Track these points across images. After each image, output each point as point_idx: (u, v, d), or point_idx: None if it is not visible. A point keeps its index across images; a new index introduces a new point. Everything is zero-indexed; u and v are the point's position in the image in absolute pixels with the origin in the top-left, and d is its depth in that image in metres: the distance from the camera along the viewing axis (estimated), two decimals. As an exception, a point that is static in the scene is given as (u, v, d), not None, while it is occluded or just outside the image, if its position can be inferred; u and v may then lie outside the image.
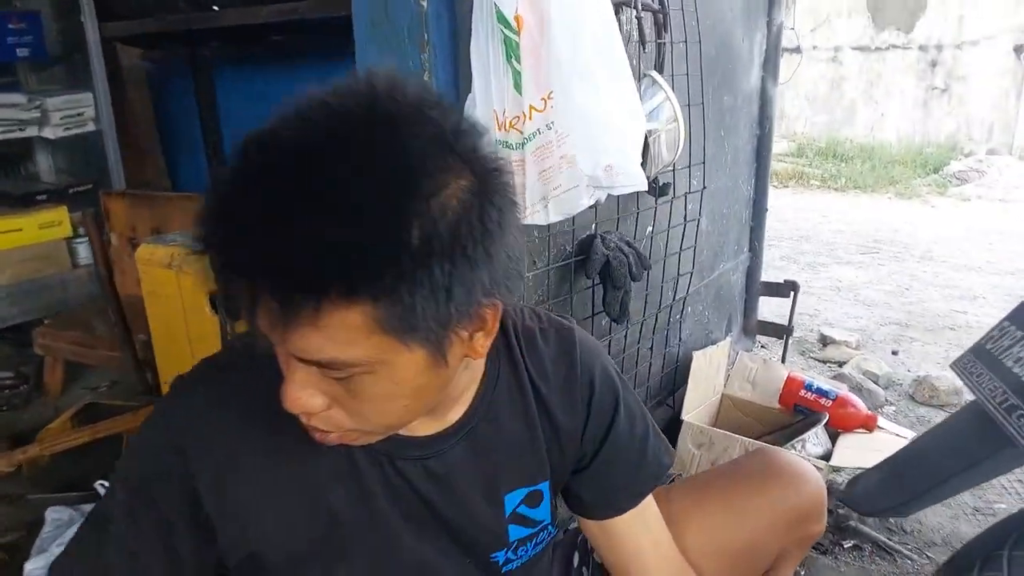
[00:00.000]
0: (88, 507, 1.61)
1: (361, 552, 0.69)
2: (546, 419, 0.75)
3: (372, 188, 0.48)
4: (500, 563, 0.75)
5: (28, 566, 1.46)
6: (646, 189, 1.07)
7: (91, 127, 2.66)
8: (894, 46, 6.72)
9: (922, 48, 6.72)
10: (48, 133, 2.56)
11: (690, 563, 0.87)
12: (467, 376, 0.68)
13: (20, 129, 2.50)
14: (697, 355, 1.90)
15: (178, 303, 1.68)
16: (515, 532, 0.75)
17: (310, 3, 2.07)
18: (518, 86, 1.03)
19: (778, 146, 7.09)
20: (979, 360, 0.78)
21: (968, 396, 2.21)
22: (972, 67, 6.55)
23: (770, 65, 2.19)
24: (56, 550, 1.47)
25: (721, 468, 1.09)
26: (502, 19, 1.01)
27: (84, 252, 2.64)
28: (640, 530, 0.82)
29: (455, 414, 0.70)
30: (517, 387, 0.73)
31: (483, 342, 0.60)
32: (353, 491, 0.68)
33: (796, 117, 7.42)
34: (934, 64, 6.74)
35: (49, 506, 1.60)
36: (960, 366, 0.81)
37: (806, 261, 4.31)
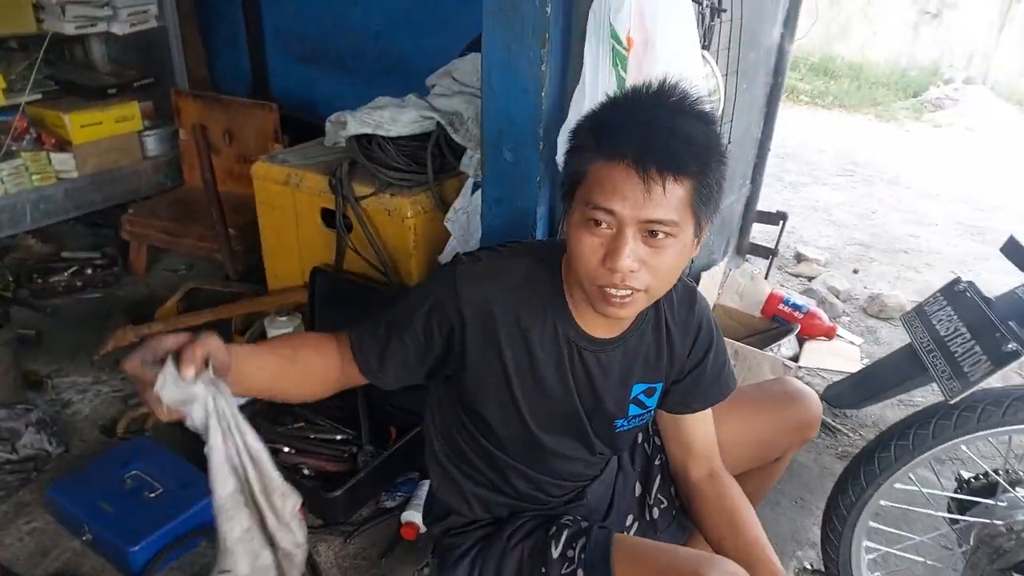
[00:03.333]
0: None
1: (551, 398, 1.10)
2: (668, 344, 1.14)
3: (697, 120, 0.92)
4: (617, 428, 1.18)
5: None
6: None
7: (153, 23, 2.81)
8: (896, -37, 6.80)
9: (922, -31, 6.82)
10: (116, 29, 2.71)
11: (722, 447, 1.29)
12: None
13: (92, 25, 2.65)
14: (704, 275, 2.33)
15: (291, 214, 2.01)
16: (633, 410, 1.17)
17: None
18: (621, 87, 1.35)
19: (772, 57, 7.25)
20: (918, 317, 1.21)
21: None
22: (966, -6, 6.73)
23: (789, 24, 2.47)
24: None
25: (752, 386, 1.50)
26: (615, 36, 1.32)
27: (152, 145, 2.88)
28: (700, 425, 1.24)
29: (619, 331, 1.09)
30: (655, 320, 1.13)
31: (695, 250, 0.99)
32: (557, 363, 1.08)
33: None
34: (930, -13, 6.88)
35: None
36: (906, 319, 1.23)
37: (789, 180, 4.69)
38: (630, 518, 1.35)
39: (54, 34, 2.57)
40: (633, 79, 1.34)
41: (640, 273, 0.93)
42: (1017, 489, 1.25)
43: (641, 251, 0.92)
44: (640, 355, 1.12)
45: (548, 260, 1.09)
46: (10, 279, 2.54)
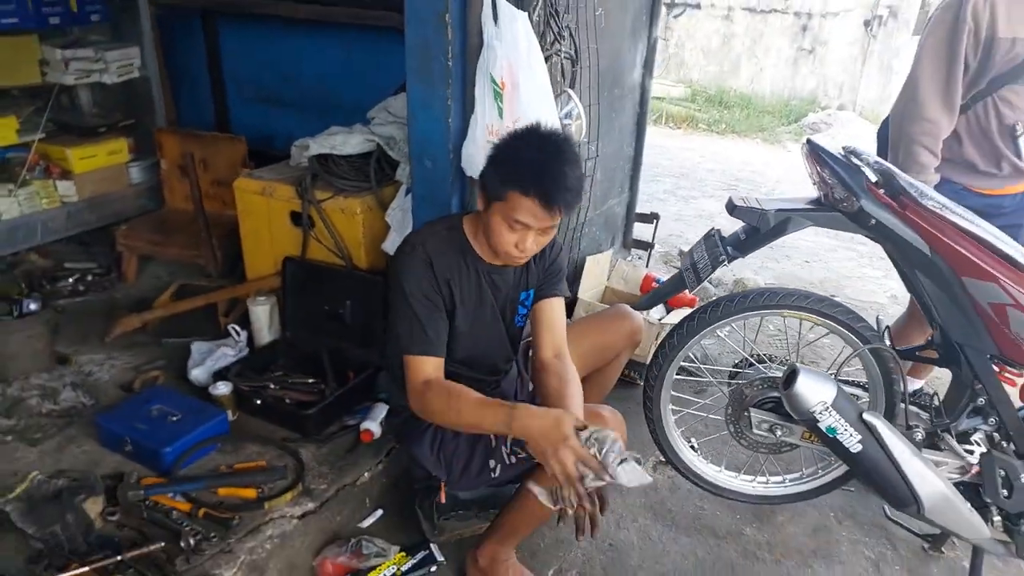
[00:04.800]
0: (218, 341, 2.58)
1: (481, 310, 1.75)
2: (536, 266, 1.81)
3: (575, 166, 1.54)
4: (517, 323, 1.84)
5: (194, 372, 2.43)
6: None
7: (136, 74, 3.40)
8: (775, 10, 7.89)
9: (796, 14, 7.94)
10: (106, 79, 3.29)
11: (581, 353, 1.97)
12: None
13: (88, 76, 3.22)
14: (589, 259, 3.03)
15: (265, 218, 2.61)
16: (521, 310, 1.83)
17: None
18: (500, 115, 2.04)
19: (675, 91, 8.22)
20: (688, 254, 1.90)
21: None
22: (832, 34, 7.85)
23: (648, 65, 3.24)
24: (210, 363, 2.45)
25: (597, 312, 2.20)
26: (493, 81, 2.01)
27: (136, 174, 3.44)
28: (551, 316, 1.84)
29: None
30: None
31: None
32: (478, 287, 1.73)
33: (693, 66, 8.55)
34: (804, 29, 7.98)
35: (179, 346, 2.57)
36: (681, 257, 1.95)
37: (682, 194, 5.52)
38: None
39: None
40: (508, 108, 2.02)
41: (532, 247, 1.62)
42: (761, 364, 1.96)
43: (539, 239, 1.61)
44: (520, 272, 1.81)
45: (454, 224, 1.75)
46: (22, 286, 3.03)
